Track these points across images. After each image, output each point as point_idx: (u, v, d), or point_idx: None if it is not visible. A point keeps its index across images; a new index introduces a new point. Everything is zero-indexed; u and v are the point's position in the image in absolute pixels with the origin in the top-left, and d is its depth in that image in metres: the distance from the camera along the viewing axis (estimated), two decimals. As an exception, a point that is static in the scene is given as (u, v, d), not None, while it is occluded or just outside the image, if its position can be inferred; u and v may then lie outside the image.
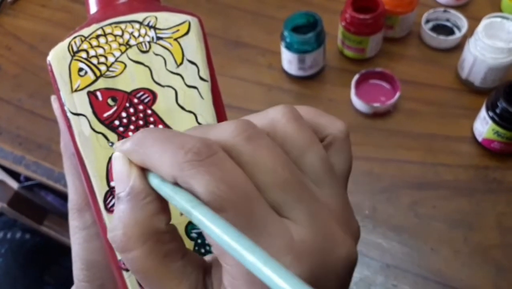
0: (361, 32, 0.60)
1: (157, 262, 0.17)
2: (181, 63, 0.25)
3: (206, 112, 0.25)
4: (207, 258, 0.19)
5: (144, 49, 0.25)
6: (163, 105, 0.25)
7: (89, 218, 0.27)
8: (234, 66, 0.65)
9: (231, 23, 0.70)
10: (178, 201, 0.16)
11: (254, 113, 0.19)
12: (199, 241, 0.26)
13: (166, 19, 0.25)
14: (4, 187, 0.87)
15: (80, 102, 0.25)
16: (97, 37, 0.25)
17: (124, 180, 0.17)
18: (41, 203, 0.91)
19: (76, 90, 0.25)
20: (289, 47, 0.60)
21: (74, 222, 0.28)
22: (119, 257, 0.26)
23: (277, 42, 0.62)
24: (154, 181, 0.17)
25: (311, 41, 0.58)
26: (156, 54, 0.25)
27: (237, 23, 0.70)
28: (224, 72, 0.64)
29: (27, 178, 0.90)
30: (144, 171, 0.18)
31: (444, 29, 0.66)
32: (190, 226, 0.26)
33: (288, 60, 0.61)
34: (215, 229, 0.14)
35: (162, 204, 0.17)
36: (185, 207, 0.15)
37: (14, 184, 0.88)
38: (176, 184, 0.16)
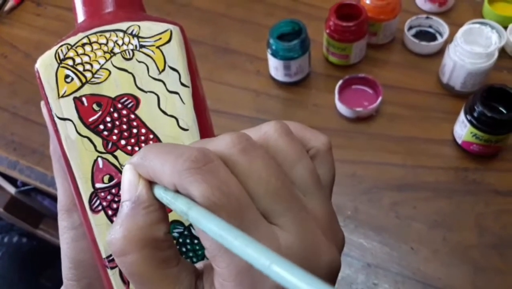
0: (344, 39, 0.62)
1: (153, 267, 0.18)
2: (163, 70, 0.26)
3: (187, 117, 0.27)
4: (199, 265, 0.20)
5: (128, 56, 0.27)
6: (146, 110, 0.26)
7: (77, 218, 0.28)
8: (223, 72, 0.67)
9: (220, 31, 0.72)
10: (178, 205, 0.17)
11: (248, 128, 0.21)
12: (180, 240, 0.27)
13: (148, 28, 0.26)
14: (1, 192, 0.89)
15: (66, 108, 0.26)
16: (83, 45, 0.27)
17: (132, 190, 0.19)
18: (38, 207, 0.92)
19: (62, 96, 0.26)
20: (275, 54, 0.61)
21: (63, 222, 0.29)
22: (103, 255, 0.27)
23: (265, 49, 0.63)
24: (158, 192, 0.19)
25: (296, 48, 0.60)
26: (139, 61, 0.26)
27: (225, 31, 0.72)
28: (213, 78, 0.66)
29: (24, 183, 0.92)
30: (150, 183, 0.19)
31: (426, 35, 0.68)
32: (172, 225, 0.27)
33: (275, 67, 0.63)
34: (211, 225, 0.15)
35: (163, 215, 0.19)
36: (183, 209, 0.17)
37: (11, 189, 0.90)
38: (177, 191, 0.17)
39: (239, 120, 0.62)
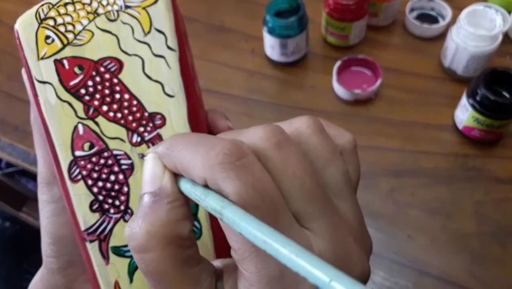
0: (344, 18, 0.59)
1: (175, 267, 0.17)
2: (149, 32, 0.25)
3: (173, 82, 0.25)
4: (217, 263, 0.19)
5: (112, 17, 0.25)
6: (130, 74, 0.25)
7: (57, 191, 0.27)
8: (217, 51, 0.64)
9: (215, 8, 0.69)
10: (208, 202, 0.16)
11: (278, 122, 0.19)
12: None
13: None
14: (-16, 173, 0.86)
15: (46, 70, 0.24)
16: (65, 5, 0.25)
17: (156, 181, 0.18)
18: (22, 190, 0.90)
19: (42, 58, 0.25)
20: (271, 31, 0.59)
21: (43, 195, 0.27)
22: (82, 227, 0.25)
23: (261, 28, 0.61)
24: (185, 186, 0.17)
25: (294, 25, 0.57)
26: (124, 23, 0.25)
27: (220, 8, 0.69)
28: (207, 57, 0.64)
29: (8, 165, 0.89)
30: (176, 176, 0.18)
31: (428, 18, 0.65)
32: None
33: (271, 45, 0.61)
34: (248, 227, 0.14)
35: (188, 211, 0.18)
36: (216, 208, 0.15)
37: (-6, 171, 0.87)
38: (206, 187, 0.16)
39: (232, 101, 0.60)
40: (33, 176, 0.87)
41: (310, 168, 0.17)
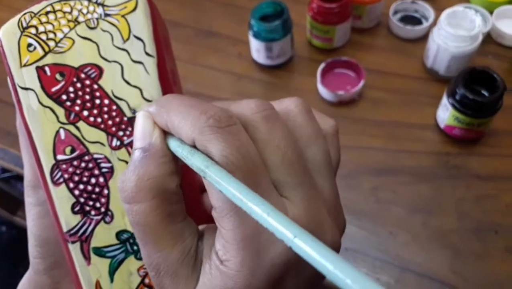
0: (328, 21, 0.60)
1: (159, 219, 0.18)
2: (128, 39, 0.26)
3: (152, 87, 0.26)
4: (200, 227, 0.20)
5: (92, 25, 0.26)
6: (109, 80, 0.26)
7: (42, 194, 0.27)
8: (205, 55, 0.66)
9: (203, 14, 0.70)
10: (194, 161, 0.17)
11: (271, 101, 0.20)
12: None
13: None
14: (-21, 179, 0.87)
15: (28, 77, 0.25)
16: (47, 13, 0.26)
17: (146, 137, 0.19)
18: (17, 195, 0.91)
19: (25, 65, 0.26)
20: (256, 35, 0.60)
21: (29, 198, 0.28)
22: (64, 229, 0.26)
23: (247, 32, 0.62)
24: (173, 143, 0.18)
25: (278, 29, 0.59)
26: (104, 31, 0.26)
27: (208, 14, 0.70)
28: (195, 61, 0.65)
29: (4, 170, 0.90)
30: (165, 134, 0.19)
31: (412, 20, 0.67)
32: None
33: (256, 49, 0.62)
34: (228, 186, 0.15)
35: (176, 167, 0.18)
36: (200, 166, 0.16)
37: (-10, 176, 0.88)
38: (193, 147, 0.17)
39: (219, 103, 0.61)
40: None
41: (293, 143, 0.18)
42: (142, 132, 0.19)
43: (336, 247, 0.18)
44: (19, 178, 0.93)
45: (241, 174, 0.16)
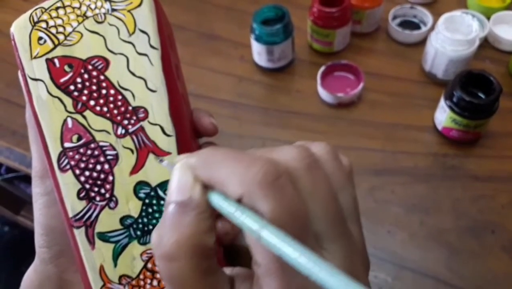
0: (328, 25, 0.62)
1: (198, 276, 0.17)
2: (133, 33, 0.27)
3: (156, 78, 0.27)
4: (228, 271, 0.20)
5: (100, 20, 0.27)
6: (115, 71, 0.27)
7: (49, 184, 0.28)
8: (207, 57, 0.67)
9: (205, 17, 0.72)
10: (244, 220, 0.16)
11: (296, 143, 0.20)
12: (146, 201, 0.27)
13: None
14: (-16, 179, 0.88)
15: (38, 68, 0.27)
16: (57, 9, 0.27)
17: (186, 191, 0.18)
18: (21, 195, 0.92)
19: (35, 57, 0.27)
20: (258, 39, 0.61)
21: (36, 188, 0.29)
22: (70, 214, 0.27)
23: (248, 35, 0.63)
24: (216, 199, 0.17)
25: (279, 32, 0.60)
26: (111, 24, 0.27)
27: (210, 17, 0.72)
28: (197, 64, 0.66)
29: (8, 170, 0.91)
30: (205, 188, 0.18)
31: (411, 25, 0.68)
32: (139, 186, 0.27)
33: (258, 52, 0.63)
34: (284, 249, 0.15)
35: (214, 223, 0.18)
36: (252, 227, 0.16)
37: (-6, 176, 0.89)
38: (238, 201, 0.17)
39: (221, 105, 0.62)
40: (31, 181, 0.90)
41: (334, 194, 0.18)
42: (181, 185, 0.18)
43: None
44: (22, 178, 0.94)
45: (289, 231, 0.16)
